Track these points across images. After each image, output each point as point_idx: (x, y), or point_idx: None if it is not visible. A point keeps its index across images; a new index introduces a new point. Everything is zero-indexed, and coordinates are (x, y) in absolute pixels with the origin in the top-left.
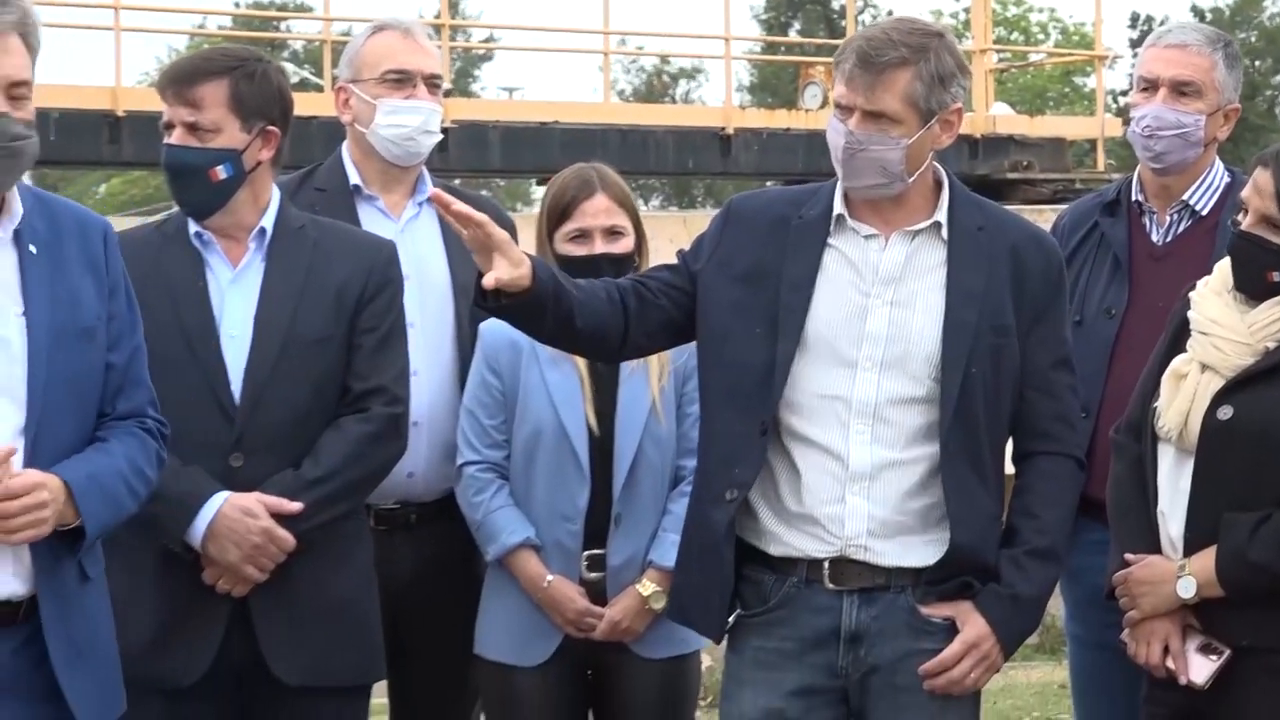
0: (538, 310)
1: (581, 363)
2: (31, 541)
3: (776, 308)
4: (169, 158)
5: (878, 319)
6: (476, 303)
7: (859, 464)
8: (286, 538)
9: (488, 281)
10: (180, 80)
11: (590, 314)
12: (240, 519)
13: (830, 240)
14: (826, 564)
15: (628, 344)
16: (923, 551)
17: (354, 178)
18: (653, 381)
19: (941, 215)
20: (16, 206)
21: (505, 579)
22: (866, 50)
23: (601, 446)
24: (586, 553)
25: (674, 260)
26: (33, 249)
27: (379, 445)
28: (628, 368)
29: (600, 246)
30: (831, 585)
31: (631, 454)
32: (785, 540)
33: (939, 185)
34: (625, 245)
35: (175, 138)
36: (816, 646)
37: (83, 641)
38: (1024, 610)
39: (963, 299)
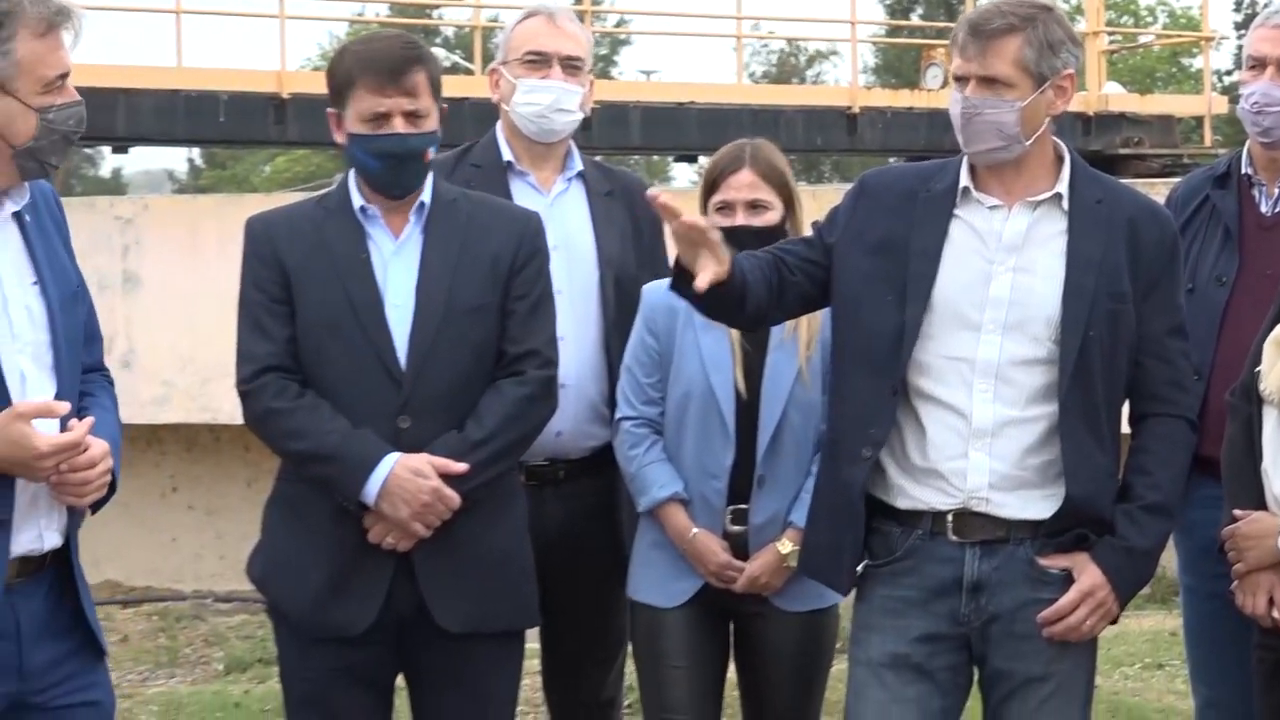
0: (723, 300)
1: (734, 331)
2: (92, 502)
3: (906, 276)
4: (397, 145)
5: (1001, 284)
6: (673, 287)
7: (981, 421)
8: (453, 497)
9: (701, 284)
10: (398, 71)
11: (755, 295)
12: (411, 479)
13: (956, 211)
14: (950, 516)
15: (768, 316)
16: (1041, 505)
17: (506, 154)
18: (800, 350)
19: (1062, 187)
20: (26, 185)
21: (654, 527)
22: (977, 21)
23: (748, 410)
24: (730, 508)
25: (808, 234)
26: (28, 219)
27: (535, 406)
28: (777, 336)
29: (741, 218)
30: (955, 537)
31: (776, 419)
32: (911, 494)
33: (1060, 159)
34: (769, 219)
35: (400, 126)
36: (940, 595)
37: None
38: (1138, 562)
39: (1082, 266)
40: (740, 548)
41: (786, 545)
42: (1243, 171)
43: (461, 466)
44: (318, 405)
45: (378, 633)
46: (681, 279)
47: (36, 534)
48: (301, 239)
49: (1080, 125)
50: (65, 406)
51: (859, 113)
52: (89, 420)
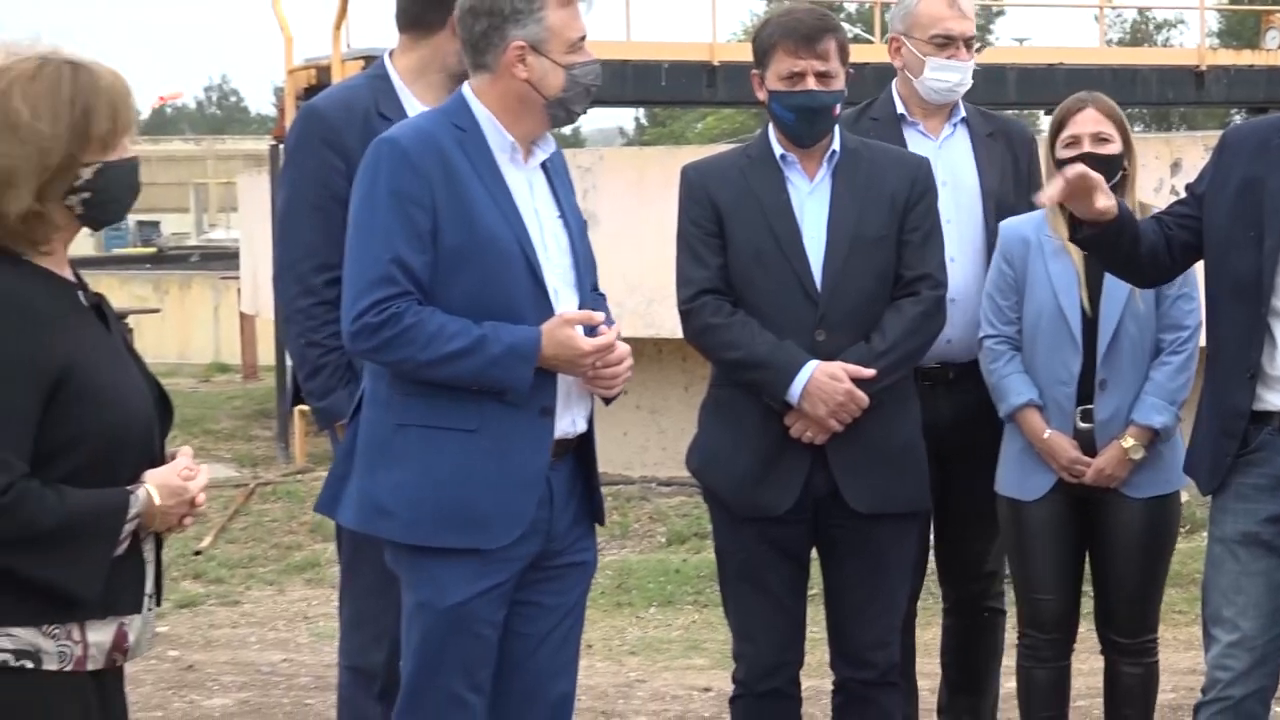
0: (1117, 238)
1: (1077, 256)
2: (616, 394)
3: (1263, 213)
4: (809, 100)
5: None
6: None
7: None
8: (863, 398)
9: (1100, 205)
10: (812, 37)
11: (1148, 243)
12: (829, 382)
13: None
14: None
15: (1168, 269)
16: None
17: (900, 108)
18: None
19: None
20: (550, 138)
21: (1016, 431)
22: None
23: (1090, 324)
24: (1080, 408)
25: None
26: (550, 166)
27: (929, 321)
28: None
29: (1087, 147)
30: None
31: (1112, 330)
32: (1263, 398)
33: None
34: (1111, 149)
35: (812, 84)
36: (1274, 493)
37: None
38: None
39: None
40: (1088, 444)
41: (1129, 440)
42: None
43: (869, 372)
44: (748, 321)
45: (797, 512)
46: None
47: (571, 420)
48: (730, 183)
49: None
50: (601, 316)
51: (1206, 71)
52: (616, 327)
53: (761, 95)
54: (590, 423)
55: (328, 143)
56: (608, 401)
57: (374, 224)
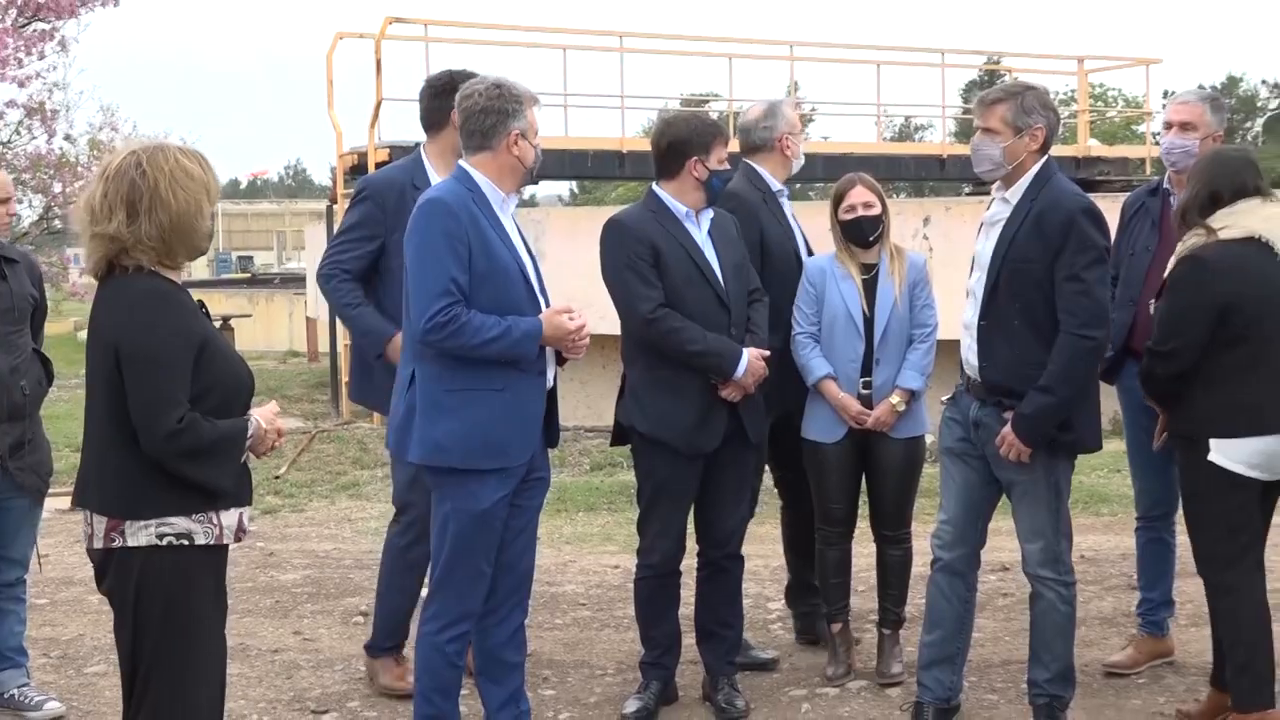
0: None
1: (858, 279)
2: (579, 357)
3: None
4: (726, 176)
5: (984, 250)
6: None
7: (969, 327)
8: (766, 371)
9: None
10: (720, 134)
11: None
12: (758, 363)
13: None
14: (967, 380)
15: None
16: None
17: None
18: (896, 287)
19: (1012, 195)
20: (518, 193)
21: (816, 395)
22: (983, 96)
23: (868, 322)
24: (862, 379)
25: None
26: (513, 211)
27: (765, 314)
28: (884, 277)
29: (860, 213)
30: (968, 393)
31: (883, 326)
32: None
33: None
34: (874, 212)
35: (721, 165)
36: (966, 422)
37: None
38: (1028, 421)
39: (1001, 239)
40: (867, 402)
41: (895, 398)
42: (1164, 187)
43: (766, 352)
44: (693, 324)
45: (722, 448)
46: None
47: (549, 378)
48: (658, 232)
49: (1074, 164)
50: (577, 308)
51: (946, 158)
52: (584, 314)
53: (698, 173)
54: (555, 380)
55: (375, 202)
56: (562, 364)
57: (435, 254)
